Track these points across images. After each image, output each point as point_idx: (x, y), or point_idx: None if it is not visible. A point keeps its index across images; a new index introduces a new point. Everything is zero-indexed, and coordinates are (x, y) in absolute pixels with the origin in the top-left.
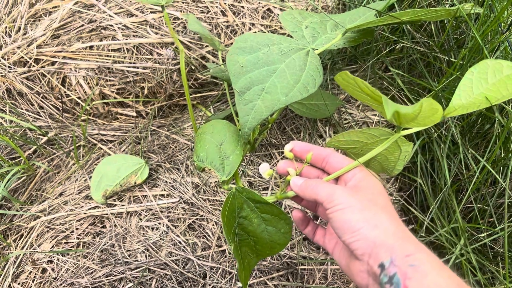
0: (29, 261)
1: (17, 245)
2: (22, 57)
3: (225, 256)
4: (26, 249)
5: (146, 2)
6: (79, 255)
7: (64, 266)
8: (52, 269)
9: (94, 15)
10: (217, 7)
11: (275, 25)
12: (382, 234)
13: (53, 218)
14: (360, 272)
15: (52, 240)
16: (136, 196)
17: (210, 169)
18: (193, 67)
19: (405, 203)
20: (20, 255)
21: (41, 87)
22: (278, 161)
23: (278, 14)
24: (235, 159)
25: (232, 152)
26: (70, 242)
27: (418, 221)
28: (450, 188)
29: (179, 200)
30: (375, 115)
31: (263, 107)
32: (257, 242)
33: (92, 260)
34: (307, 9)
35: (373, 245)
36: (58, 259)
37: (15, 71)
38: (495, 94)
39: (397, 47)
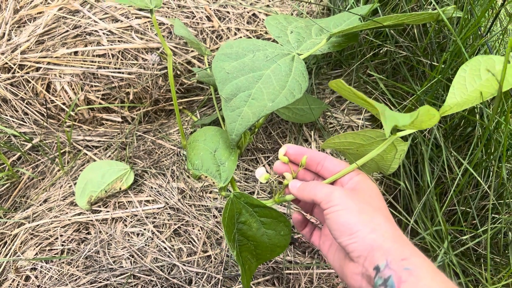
0: (12, 268)
1: (0, 252)
2: (6, 63)
3: (211, 262)
4: (9, 256)
5: (135, 5)
6: (63, 262)
7: (48, 274)
8: (36, 277)
9: (79, 21)
10: (202, 12)
11: (260, 30)
12: (379, 237)
13: (37, 225)
14: (354, 274)
15: (36, 247)
16: (121, 202)
17: (206, 177)
18: (178, 72)
19: (390, 205)
20: (3, 262)
21: (25, 93)
22: (264, 165)
23: (264, 19)
24: (231, 165)
25: (227, 158)
26: (54, 249)
27: (402, 224)
28: (434, 191)
29: (164, 206)
30: (360, 119)
31: (250, 113)
32: (257, 246)
33: (76, 267)
34: (292, 14)
35: (370, 248)
36: (41, 267)
37: None
38: (489, 89)
39: (381, 51)
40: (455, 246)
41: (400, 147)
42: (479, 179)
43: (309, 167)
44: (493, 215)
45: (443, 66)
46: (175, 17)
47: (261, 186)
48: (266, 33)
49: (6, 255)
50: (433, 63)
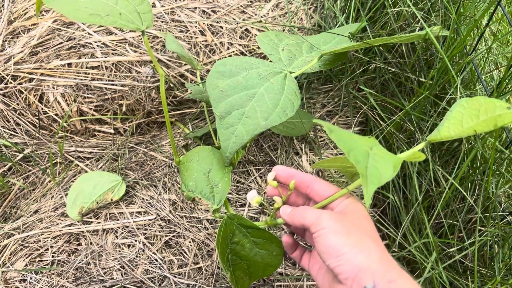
0: (1, 280)
1: None
2: None
3: (202, 274)
4: None
5: (126, 28)
6: (53, 273)
7: (37, 285)
8: None
9: (73, 33)
10: (196, 26)
11: (252, 45)
12: (366, 259)
13: (27, 236)
14: None
15: (26, 258)
16: (113, 213)
17: (200, 199)
18: (171, 85)
19: (379, 218)
20: None
21: (17, 104)
22: (255, 178)
23: (256, 35)
24: (224, 186)
25: (220, 180)
26: (44, 260)
27: (390, 237)
28: (421, 204)
29: (156, 217)
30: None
31: (244, 131)
32: (250, 265)
33: (66, 279)
34: (284, 30)
35: (357, 269)
36: (31, 278)
37: None
38: (485, 128)
39: (371, 67)
40: (443, 258)
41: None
42: (464, 194)
43: (299, 189)
44: (479, 227)
45: (430, 82)
46: (168, 31)
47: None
48: (258, 48)
49: None
50: (420, 79)
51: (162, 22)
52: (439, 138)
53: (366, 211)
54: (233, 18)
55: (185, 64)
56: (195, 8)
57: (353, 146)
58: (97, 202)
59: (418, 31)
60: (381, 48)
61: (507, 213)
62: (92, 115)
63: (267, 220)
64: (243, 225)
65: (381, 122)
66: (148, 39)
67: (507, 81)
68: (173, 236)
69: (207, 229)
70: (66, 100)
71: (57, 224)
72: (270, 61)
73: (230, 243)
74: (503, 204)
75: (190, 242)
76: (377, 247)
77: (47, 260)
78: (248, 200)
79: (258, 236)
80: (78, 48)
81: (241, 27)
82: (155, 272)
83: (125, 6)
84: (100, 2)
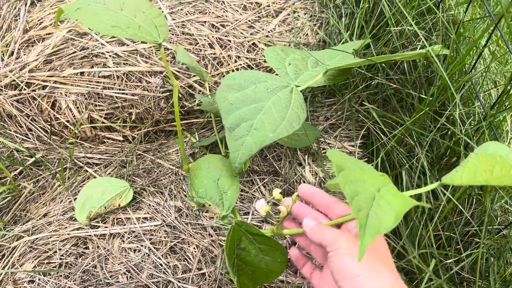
0: (10, 280)
1: None
2: (14, 80)
3: (205, 279)
4: (8, 268)
5: (146, 40)
6: (61, 276)
7: (45, 286)
8: None
9: (87, 43)
10: (205, 39)
11: (259, 59)
12: (379, 284)
13: (36, 238)
14: None
15: (35, 260)
16: (120, 218)
17: (210, 205)
18: (180, 95)
19: None
20: (1, 274)
21: (30, 110)
22: (259, 187)
23: (262, 49)
24: (233, 193)
25: (229, 187)
26: (52, 262)
27: (390, 246)
28: (420, 216)
29: (161, 223)
30: (352, 145)
31: (252, 142)
32: (254, 271)
33: (73, 281)
34: (289, 44)
35: None
36: (39, 279)
37: (6, 94)
38: (497, 182)
39: (373, 83)
40: (440, 269)
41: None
42: (461, 208)
43: (319, 207)
44: (476, 239)
45: (430, 99)
46: (179, 43)
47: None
48: (264, 61)
49: (5, 267)
50: (421, 95)
51: (173, 34)
52: (451, 183)
53: (383, 239)
54: (241, 33)
55: (194, 76)
56: (205, 22)
57: (359, 190)
58: (105, 207)
59: (420, 49)
60: (383, 64)
61: (502, 227)
62: (102, 122)
63: (273, 229)
64: (250, 232)
65: (382, 136)
66: (159, 50)
67: (504, 98)
68: (178, 242)
69: (211, 236)
70: (77, 108)
71: (66, 227)
72: (277, 75)
73: (237, 249)
74: (499, 218)
75: (194, 248)
76: (391, 274)
77: (55, 262)
78: (256, 208)
79: (263, 243)
80: (91, 58)
81: (248, 41)
82: (160, 276)
83: (143, 19)
84: (120, 15)
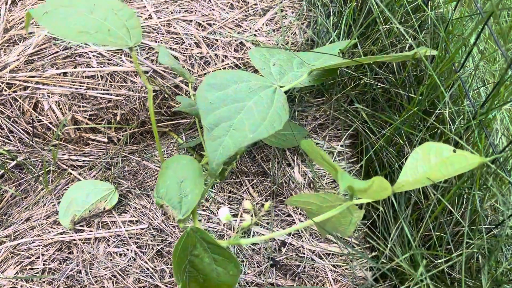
0: None
1: None
2: None
3: None
4: None
5: (115, 45)
6: (44, 282)
7: None
8: None
9: (69, 42)
10: (191, 39)
11: (247, 58)
12: None
13: (19, 244)
14: None
15: (17, 266)
16: (105, 222)
17: (167, 206)
18: (166, 96)
19: (368, 230)
20: None
21: (12, 112)
22: (247, 188)
23: (250, 48)
24: (193, 198)
25: (191, 191)
26: (35, 268)
27: (380, 249)
28: (410, 217)
29: (148, 227)
30: (340, 145)
31: (231, 143)
32: (206, 280)
33: (57, 287)
34: (277, 44)
35: None
36: (22, 286)
37: None
38: (436, 173)
39: (362, 82)
40: (431, 270)
41: (355, 213)
42: (451, 209)
43: None
44: (466, 240)
45: (420, 98)
46: (164, 42)
47: (246, 209)
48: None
49: None
50: (410, 94)
51: (158, 33)
52: (400, 185)
53: None
54: (228, 32)
55: (180, 76)
56: (191, 20)
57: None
58: (89, 211)
59: (409, 47)
60: (372, 64)
61: (493, 226)
62: (86, 123)
63: (230, 240)
64: (205, 239)
65: (371, 135)
66: (144, 50)
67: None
68: (165, 246)
69: None
70: (60, 109)
71: (49, 232)
72: (261, 75)
73: (190, 255)
74: (489, 218)
75: None
76: None
77: (38, 268)
78: (218, 216)
79: (217, 253)
80: (74, 58)
81: (235, 40)
82: (147, 281)
83: (114, 21)
84: (90, 18)
